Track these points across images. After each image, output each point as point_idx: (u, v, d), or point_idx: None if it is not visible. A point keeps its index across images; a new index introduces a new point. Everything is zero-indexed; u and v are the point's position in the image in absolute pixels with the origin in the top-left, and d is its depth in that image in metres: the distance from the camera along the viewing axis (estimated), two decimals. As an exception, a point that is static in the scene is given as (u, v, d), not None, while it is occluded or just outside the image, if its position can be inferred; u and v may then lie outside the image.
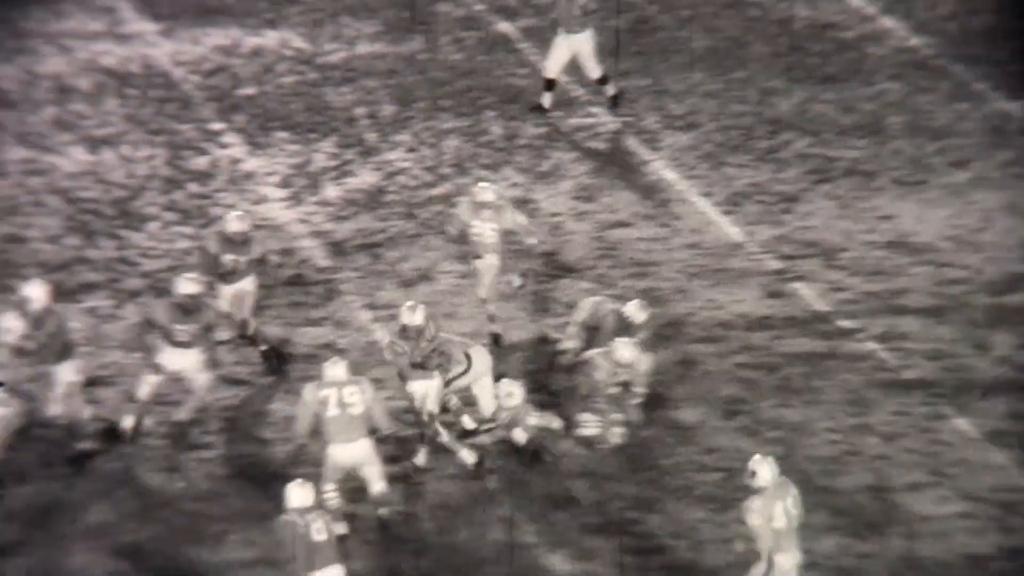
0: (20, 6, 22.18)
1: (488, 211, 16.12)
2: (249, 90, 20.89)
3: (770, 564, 12.89)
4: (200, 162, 19.32)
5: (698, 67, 22.15)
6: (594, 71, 20.33)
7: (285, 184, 19.07)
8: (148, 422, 15.00)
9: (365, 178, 19.27)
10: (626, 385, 15.14)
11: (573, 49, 20.20)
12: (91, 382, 15.37)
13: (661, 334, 16.71)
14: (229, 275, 15.50)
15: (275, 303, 16.89)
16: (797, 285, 17.65)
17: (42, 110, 20.03)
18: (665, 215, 18.94)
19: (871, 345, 16.65)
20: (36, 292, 14.39)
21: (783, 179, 19.60)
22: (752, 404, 15.79)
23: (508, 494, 14.42)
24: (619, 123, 20.73)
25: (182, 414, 14.85)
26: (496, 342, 16.33)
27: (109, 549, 13.77)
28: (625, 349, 15.12)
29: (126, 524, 14.02)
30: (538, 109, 20.42)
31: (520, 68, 21.91)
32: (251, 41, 22.04)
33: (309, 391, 13.90)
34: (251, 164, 19.40)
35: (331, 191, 18.97)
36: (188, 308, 14.54)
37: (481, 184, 16.30)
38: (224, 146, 19.70)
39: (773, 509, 12.87)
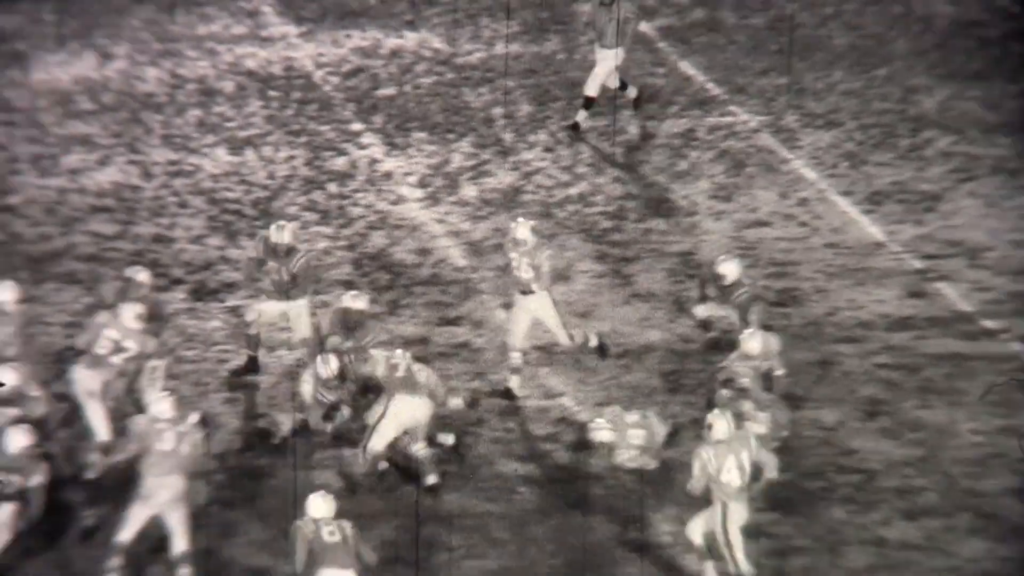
0: (166, 10, 22.56)
1: (523, 247, 15.37)
2: (388, 91, 21.05)
3: (724, 512, 13.15)
4: (339, 163, 19.50)
5: (839, 65, 21.91)
6: (614, 82, 19.85)
7: (423, 184, 19.18)
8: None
9: (502, 178, 19.31)
10: (767, 375, 14.91)
11: (606, 64, 19.54)
12: (236, 376, 15.55)
13: (800, 334, 16.54)
14: (272, 289, 15.43)
15: (412, 303, 16.98)
16: (940, 285, 17.38)
17: (187, 112, 20.34)
18: (804, 214, 18.75)
19: (1016, 346, 16.33)
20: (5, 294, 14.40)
21: (926, 177, 19.31)
22: (893, 405, 15.57)
23: (642, 493, 14.36)
24: (757, 122, 20.56)
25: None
26: (508, 396, 15.57)
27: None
28: (752, 341, 14.87)
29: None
30: (574, 128, 19.80)
31: (658, 67, 21.83)
32: (391, 42, 22.20)
33: (300, 525, 12.93)
34: (389, 164, 19.54)
35: (468, 191, 19.04)
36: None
37: (519, 220, 15.63)
38: (363, 147, 19.86)
39: (724, 462, 13.08)
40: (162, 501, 13.26)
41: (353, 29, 22.45)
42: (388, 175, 19.32)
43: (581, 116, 19.83)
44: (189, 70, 21.25)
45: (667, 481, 14.45)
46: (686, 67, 21.87)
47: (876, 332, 16.64)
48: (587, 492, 14.44)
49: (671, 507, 14.15)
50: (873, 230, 18.42)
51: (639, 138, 19.93)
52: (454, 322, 16.73)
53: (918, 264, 17.74)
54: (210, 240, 17.95)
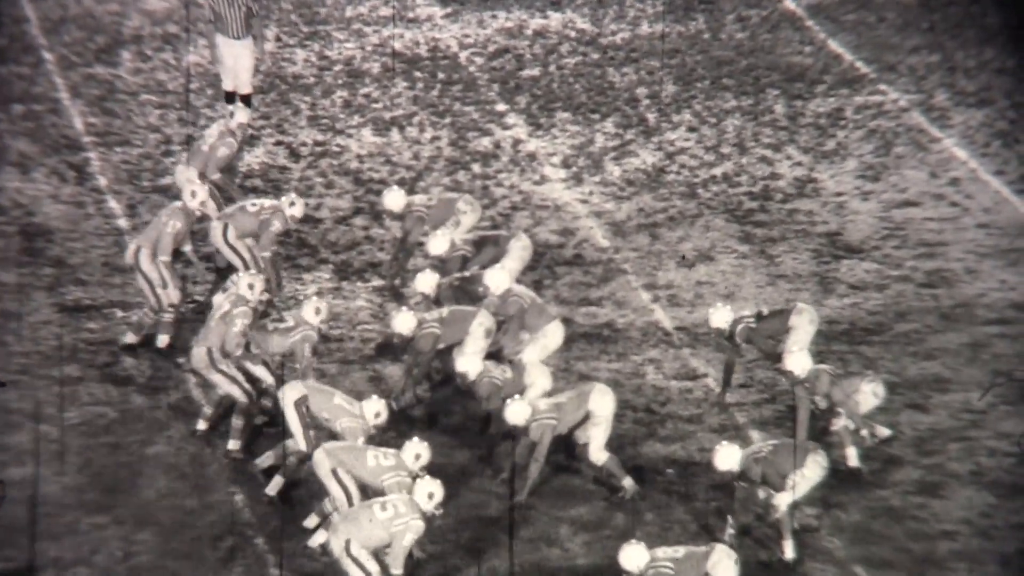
0: (314, -6, 22.78)
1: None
2: (532, 71, 21.04)
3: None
4: (483, 143, 19.53)
5: (992, 43, 21.46)
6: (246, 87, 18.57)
7: (566, 164, 19.14)
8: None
9: (646, 158, 19.21)
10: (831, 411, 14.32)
11: (236, 56, 18.50)
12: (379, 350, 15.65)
13: (949, 315, 16.24)
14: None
15: (554, 283, 16.96)
16: (1095, 266, 16.98)
17: (333, 94, 20.50)
18: (955, 194, 18.40)
19: None
20: None
21: (1081, 157, 18.88)
22: (1045, 388, 15.25)
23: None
24: (907, 101, 20.22)
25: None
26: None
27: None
28: (796, 360, 14.20)
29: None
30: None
31: (805, 46, 21.55)
32: (535, 23, 22.18)
33: None
34: (533, 145, 19.53)
35: (612, 171, 18.97)
36: None
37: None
38: (507, 127, 19.87)
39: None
40: None
41: (498, 10, 22.47)
42: (532, 155, 19.31)
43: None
44: (336, 51, 21.42)
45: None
46: (835, 45, 21.57)
47: (1029, 314, 16.30)
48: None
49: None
50: (1026, 210, 18.05)
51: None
52: (596, 303, 16.68)
53: (1073, 245, 17.36)
54: (356, 220, 18.08)
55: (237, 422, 14.35)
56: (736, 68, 21.04)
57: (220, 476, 14.19)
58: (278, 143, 19.29)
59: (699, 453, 14.55)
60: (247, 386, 14.40)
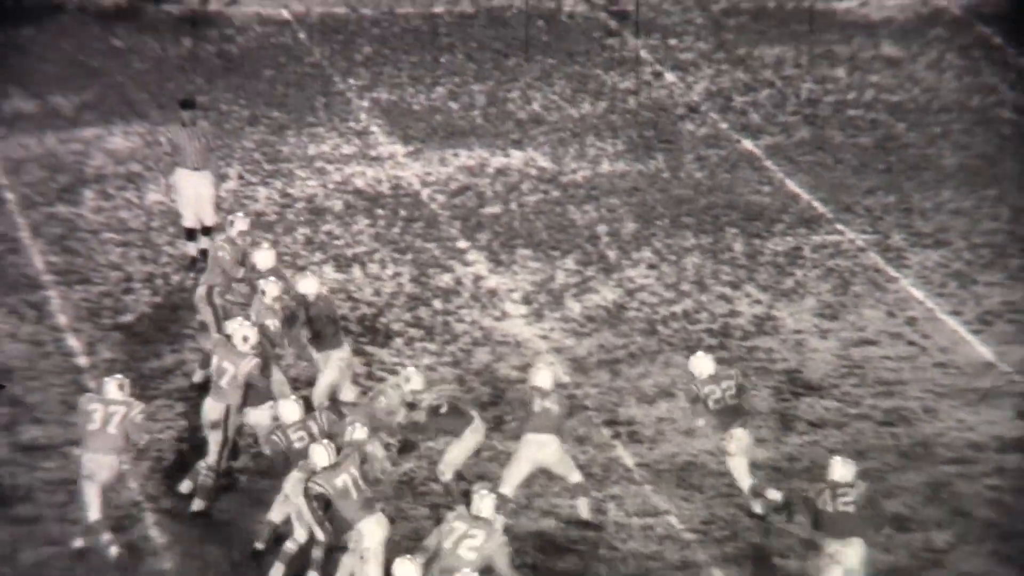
0: (278, 132, 22.93)
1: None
2: (494, 208, 21.18)
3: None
4: (445, 279, 19.60)
5: (948, 184, 21.75)
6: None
7: (527, 301, 19.21)
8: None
9: (606, 295, 19.30)
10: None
11: (196, 187, 19.00)
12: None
13: (908, 455, 16.26)
14: None
15: (516, 419, 16.92)
16: (1052, 405, 17.07)
17: (295, 230, 20.56)
18: (913, 333, 18.53)
19: None
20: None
21: (1037, 297, 19.06)
22: (1007, 528, 15.22)
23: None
24: (864, 240, 20.43)
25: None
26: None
27: None
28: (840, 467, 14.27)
29: None
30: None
31: (763, 186, 21.80)
32: (497, 161, 22.39)
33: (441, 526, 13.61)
34: (494, 281, 19.61)
35: (573, 307, 19.04)
36: None
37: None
38: (468, 263, 19.96)
39: None
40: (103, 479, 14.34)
41: (460, 148, 22.68)
42: (493, 292, 19.38)
43: (192, 248, 18.36)
44: (298, 189, 21.53)
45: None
46: (792, 185, 21.83)
47: (987, 453, 16.32)
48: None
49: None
50: (983, 350, 18.15)
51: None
52: (557, 439, 16.61)
53: (1030, 384, 17.46)
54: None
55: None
56: (695, 206, 21.24)
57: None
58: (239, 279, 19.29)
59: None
60: None
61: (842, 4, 27.60)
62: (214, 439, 15.20)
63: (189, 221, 19.14)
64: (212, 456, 15.17)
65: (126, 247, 19.79)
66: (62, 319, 17.98)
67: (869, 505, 13.83)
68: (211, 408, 15.21)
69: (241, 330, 15.37)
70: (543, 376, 15.19)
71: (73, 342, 17.84)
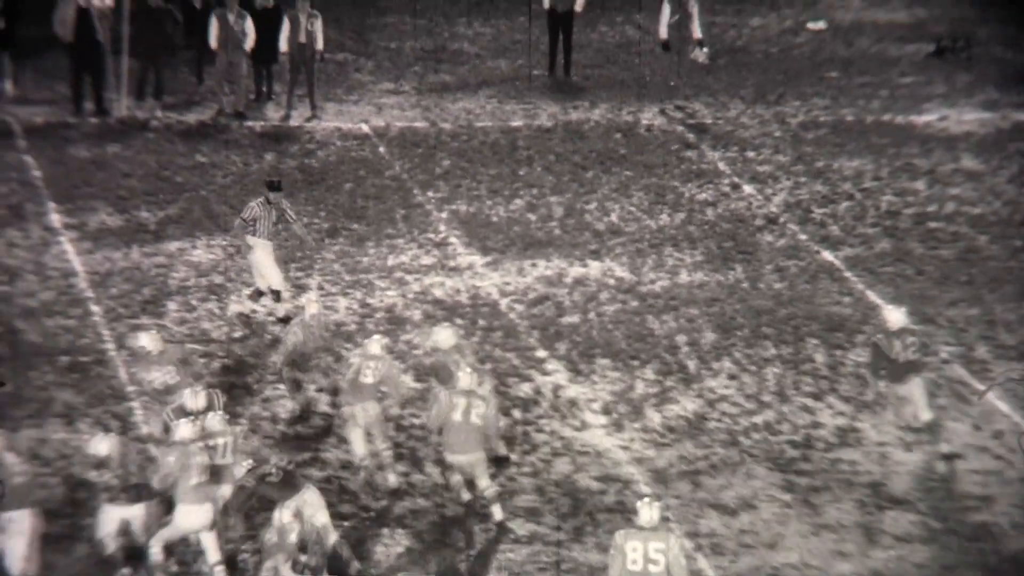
0: (358, 243, 23.07)
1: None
2: (572, 318, 21.15)
3: None
4: (524, 389, 19.54)
5: (1031, 296, 21.57)
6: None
7: (606, 410, 19.10)
8: None
9: (686, 404, 19.17)
10: None
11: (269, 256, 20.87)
12: None
13: (997, 570, 15.95)
14: None
15: (595, 530, 16.76)
16: None
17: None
18: (999, 447, 18.25)
19: None
20: None
21: (1125, 409, 18.75)
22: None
23: None
24: (948, 353, 20.21)
25: None
26: None
27: None
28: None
29: None
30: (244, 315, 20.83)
31: (844, 296, 21.65)
32: (575, 271, 22.39)
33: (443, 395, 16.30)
34: (573, 391, 19.53)
35: (652, 418, 18.91)
36: None
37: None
38: (547, 373, 19.90)
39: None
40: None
41: (538, 258, 22.72)
42: (572, 401, 19.29)
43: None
44: (378, 299, 21.61)
45: None
46: (873, 296, 21.68)
47: (1078, 569, 16.01)
48: None
49: None
50: (1071, 462, 17.88)
51: None
52: (638, 551, 16.43)
53: (1120, 497, 17.13)
54: (397, 466, 17.93)
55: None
56: (775, 317, 21.12)
57: None
58: (319, 389, 19.31)
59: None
60: None
61: (921, 118, 27.58)
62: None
63: (262, 285, 20.76)
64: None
65: (207, 357, 19.88)
66: (144, 429, 18.03)
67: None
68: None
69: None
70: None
71: (156, 454, 17.87)
